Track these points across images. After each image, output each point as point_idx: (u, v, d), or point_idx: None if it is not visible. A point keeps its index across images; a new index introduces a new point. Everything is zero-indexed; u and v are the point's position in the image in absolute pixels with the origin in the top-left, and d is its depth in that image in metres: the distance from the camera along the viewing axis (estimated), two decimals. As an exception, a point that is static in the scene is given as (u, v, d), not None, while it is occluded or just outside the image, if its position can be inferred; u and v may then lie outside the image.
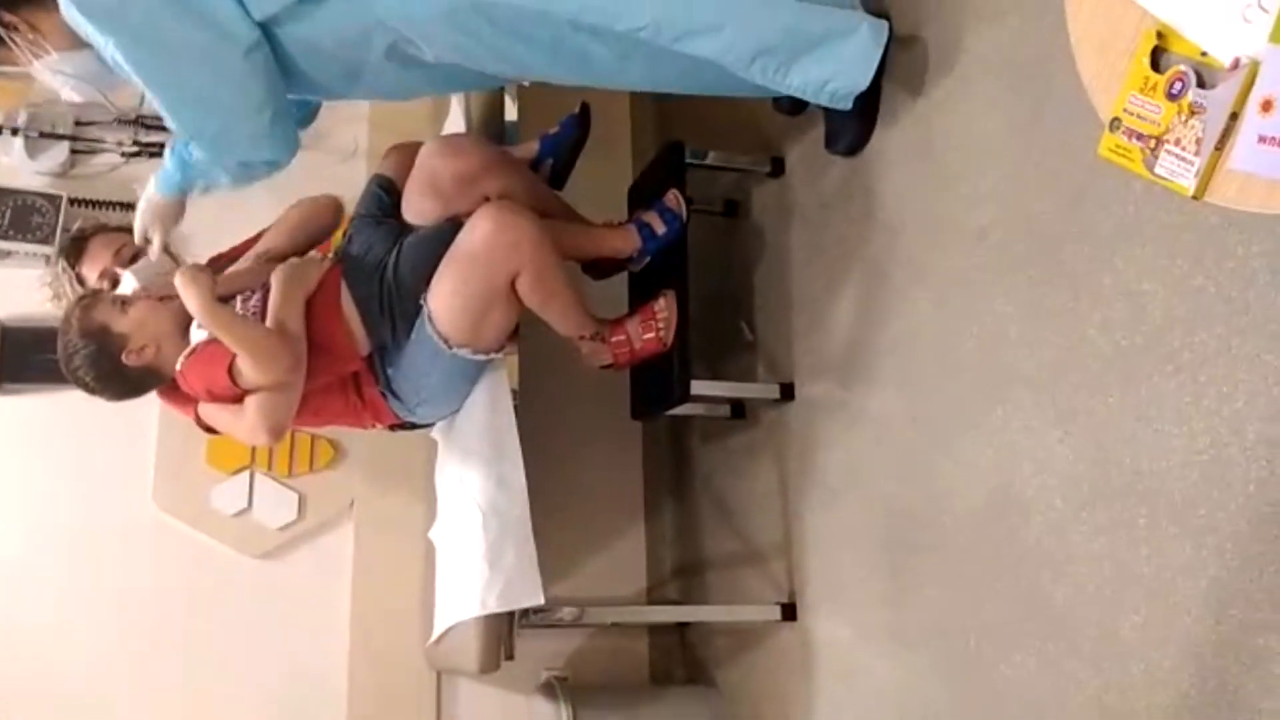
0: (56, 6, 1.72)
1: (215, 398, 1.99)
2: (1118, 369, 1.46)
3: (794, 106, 2.22)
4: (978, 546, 1.72)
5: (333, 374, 2.10)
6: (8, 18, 1.80)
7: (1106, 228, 1.49)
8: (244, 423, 1.94)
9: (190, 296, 1.91)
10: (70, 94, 1.95)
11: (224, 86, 1.80)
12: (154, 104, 1.84)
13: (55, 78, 1.89)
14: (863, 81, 1.90)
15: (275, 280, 2.02)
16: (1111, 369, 1.47)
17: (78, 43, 1.79)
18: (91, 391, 2.00)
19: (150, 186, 2.02)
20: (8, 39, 1.81)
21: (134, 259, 2.17)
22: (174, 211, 2.04)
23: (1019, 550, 1.63)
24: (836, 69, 1.88)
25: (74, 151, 2.76)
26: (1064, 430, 1.55)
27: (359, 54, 1.87)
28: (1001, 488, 1.67)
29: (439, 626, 2.29)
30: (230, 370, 1.92)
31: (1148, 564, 1.40)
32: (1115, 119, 1.11)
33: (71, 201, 2.69)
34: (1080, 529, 1.51)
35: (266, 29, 1.78)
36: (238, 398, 1.95)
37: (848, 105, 1.94)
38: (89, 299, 2.02)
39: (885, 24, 1.89)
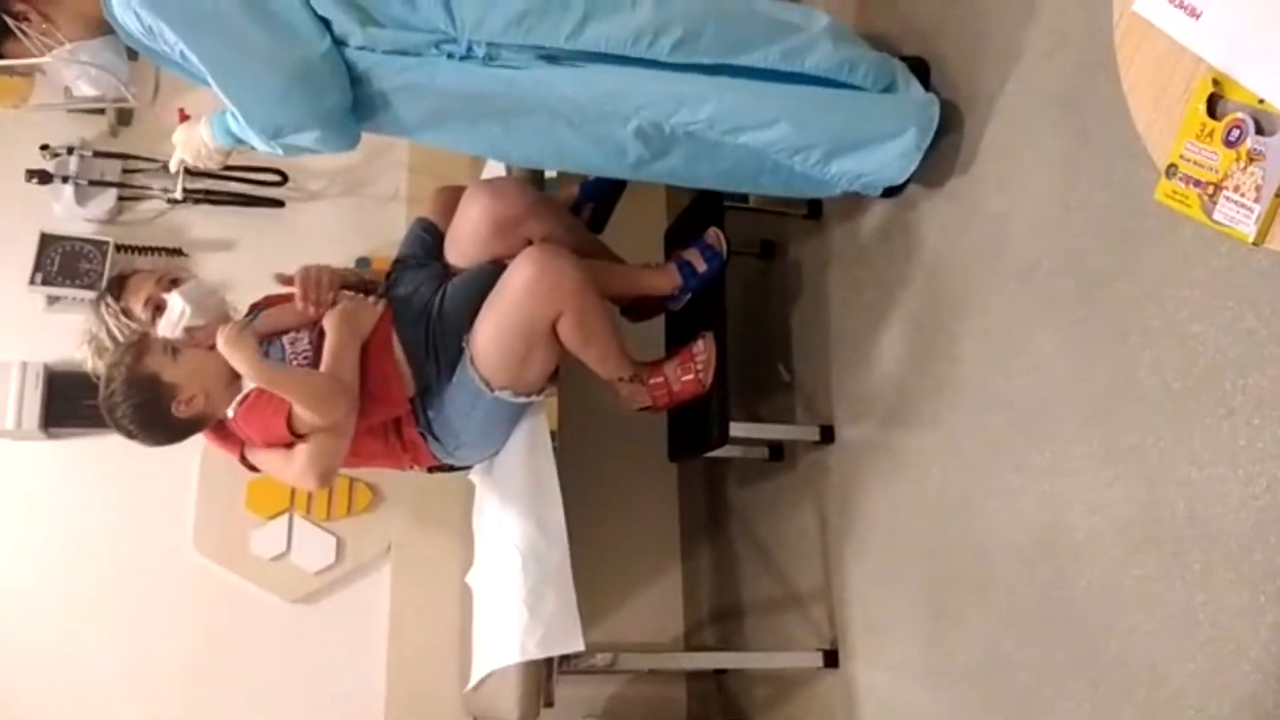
0: None
1: (270, 444, 1.99)
2: (1168, 410, 1.45)
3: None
4: (1026, 589, 1.70)
5: (381, 417, 2.11)
6: (18, 6, 1.72)
7: (1155, 268, 1.48)
8: (294, 468, 1.95)
9: (238, 361, 1.90)
10: (85, 87, 1.86)
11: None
12: (218, 93, 1.73)
13: (69, 69, 1.80)
14: (898, 179, 1.95)
15: (330, 324, 2.02)
16: (1162, 410, 1.46)
17: (92, 31, 1.74)
18: (131, 438, 1.97)
19: (203, 126, 1.89)
20: (18, 30, 1.72)
21: (173, 285, 2.12)
22: (217, 160, 1.95)
23: (1068, 593, 1.60)
24: (877, 165, 1.93)
25: (121, 199, 2.82)
26: (1114, 471, 1.53)
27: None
28: (1050, 528, 1.65)
29: (478, 672, 2.27)
30: (288, 418, 1.92)
31: (1203, 609, 1.37)
32: (1172, 165, 1.12)
33: (118, 247, 2.74)
34: (1133, 572, 1.49)
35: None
36: (291, 443, 1.96)
37: (875, 194, 1.99)
38: (139, 344, 1.97)
39: (933, 122, 1.91)
